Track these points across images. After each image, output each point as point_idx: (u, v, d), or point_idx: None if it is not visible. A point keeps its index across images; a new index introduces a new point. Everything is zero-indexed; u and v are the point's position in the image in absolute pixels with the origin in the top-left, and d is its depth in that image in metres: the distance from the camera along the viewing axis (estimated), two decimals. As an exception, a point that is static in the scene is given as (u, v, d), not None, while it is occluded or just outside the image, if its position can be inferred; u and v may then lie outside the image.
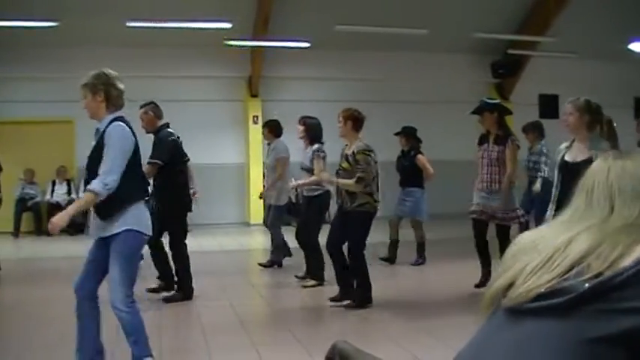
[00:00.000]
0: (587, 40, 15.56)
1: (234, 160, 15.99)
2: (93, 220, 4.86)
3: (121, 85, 4.67)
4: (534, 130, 10.35)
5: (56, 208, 14.67)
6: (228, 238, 13.51)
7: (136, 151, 4.65)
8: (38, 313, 7.12)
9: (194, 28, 13.76)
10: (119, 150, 4.51)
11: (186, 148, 15.58)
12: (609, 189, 1.51)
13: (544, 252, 1.45)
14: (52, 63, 14.74)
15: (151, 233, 4.76)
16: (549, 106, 15.88)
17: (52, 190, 14.93)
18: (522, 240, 1.58)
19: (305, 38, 14.64)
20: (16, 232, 14.15)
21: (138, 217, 4.60)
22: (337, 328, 6.33)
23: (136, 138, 4.66)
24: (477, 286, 7.45)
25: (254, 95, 16.18)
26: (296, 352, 5.50)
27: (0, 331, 6.48)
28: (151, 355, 4.64)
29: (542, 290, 1.39)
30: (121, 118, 4.63)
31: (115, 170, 4.45)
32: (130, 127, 4.64)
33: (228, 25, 13.45)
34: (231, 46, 14.68)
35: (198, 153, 15.50)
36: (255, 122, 15.70)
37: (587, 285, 1.34)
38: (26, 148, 14.54)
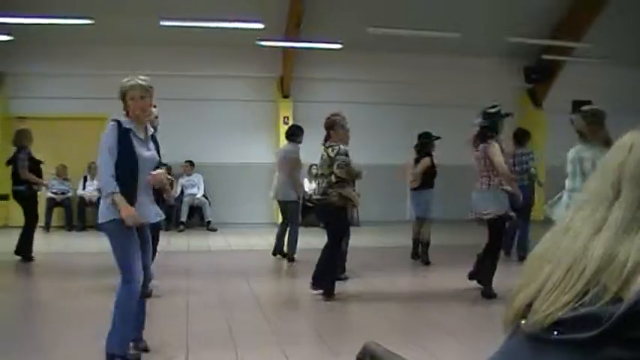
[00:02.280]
0: (621, 45, 15.38)
1: (264, 160, 15.99)
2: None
3: (129, 92, 5.00)
4: (513, 139, 10.50)
5: (86, 203, 14.88)
6: (258, 237, 13.52)
7: (124, 148, 4.89)
8: (70, 306, 7.20)
9: (226, 28, 13.82)
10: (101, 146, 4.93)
11: (216, 148, 15.82)
12: (620, 167, 1.45)
13: (563, 263, 1.42)
14: (86, 60, 14.91)
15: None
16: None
17: (84, 186, 15.11)
18: (546, 241, 1.54)
19: (337, 40, 14.64)
20: (47, 227, 14.32)
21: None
22: (361, 327, 6.33)
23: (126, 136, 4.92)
24: None
25: (285, 96, 16.21)
26: (321, 351, 5.52)
27: (33, 323, 6.56)
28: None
29: (560, 315, 1.36)
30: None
31: (99, 167, 5.05)
32: (123, 128, 4.93)
33: (260, 26, 13.49)
34: (263, 46, 14.72)
35: (229, 152, 15.67)
36: (286, 123, 15.69)
37: (612, 318, 1.29)
38: (59, 144, 14.71)
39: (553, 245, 1.49)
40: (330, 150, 7.74)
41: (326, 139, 7.96)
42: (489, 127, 7.65)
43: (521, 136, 10.62)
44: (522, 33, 15.05)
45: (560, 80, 16.87)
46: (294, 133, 10.61)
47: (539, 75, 16.78)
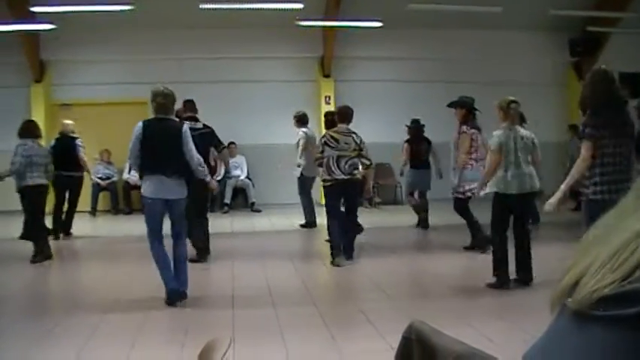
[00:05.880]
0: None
1: (306, 141, 15.99)
2: None
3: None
4: None
5: (132, 187, 15.06)
6: (302, 217, 13.51)
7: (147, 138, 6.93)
8: (116, 289, 7.30)
9: (266, 9, 13.81)
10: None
11: (259, 129, 15.83)
12: None
13: (612, 244, 1.37)
14: (127, 46, 15.04)
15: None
16: (630, 84, 15.32)
17: (129, 170, 15.26)
18: (598, 225, 1.50)
19: (377, 17, 14.51)
20: (93, 211, 14.54)
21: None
22: (406, 307, 6.30)
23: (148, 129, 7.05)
24: None
25: (326, 75, 16.14)
26: (368, 331, 5.52)
27: (79, 305, 6.65)
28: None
29: (606, 292, 1.32)
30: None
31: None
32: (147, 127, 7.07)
33: (299, 6, 13.45)
34: (303, 26, 14.66)
35: (272, 133, 15.68)
36: (328, 102, 15.66)
37: None
38: (102, 130, 14.88)
39: (602, 230, 1.45)
40: (354, 136, 8.78)
41: (332, 125, 9.34)
42: None
43: None
44: (566, 5, 14.73)
45: (606, 52, 16.45)
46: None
47: (584, 48, 16.42)
